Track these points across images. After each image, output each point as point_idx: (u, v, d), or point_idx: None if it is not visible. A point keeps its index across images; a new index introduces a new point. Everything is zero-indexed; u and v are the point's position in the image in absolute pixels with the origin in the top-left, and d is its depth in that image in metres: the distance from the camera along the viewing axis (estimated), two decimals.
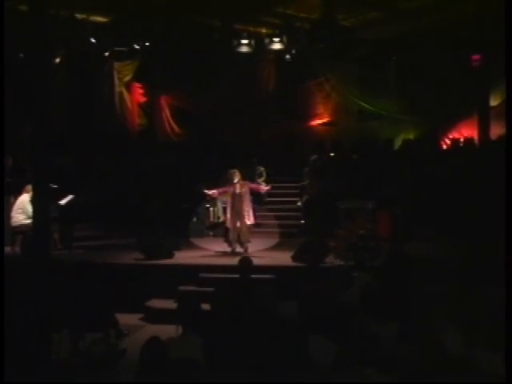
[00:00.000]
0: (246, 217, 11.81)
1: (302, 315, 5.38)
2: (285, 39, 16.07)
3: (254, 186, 12.61)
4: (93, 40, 16.02)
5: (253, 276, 8.10)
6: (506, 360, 4.18)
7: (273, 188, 13.39)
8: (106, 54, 17.05)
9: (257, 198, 13.53)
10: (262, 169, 15.66)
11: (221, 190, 12.23)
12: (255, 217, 12.23)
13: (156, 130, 18.69)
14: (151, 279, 10.70)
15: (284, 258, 11.21)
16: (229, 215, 12.07)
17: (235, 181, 11.87)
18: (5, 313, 6.16)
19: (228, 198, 12.16)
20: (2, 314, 6.06)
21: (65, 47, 16.12)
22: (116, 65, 17.75)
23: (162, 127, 18.70)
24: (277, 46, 16.32)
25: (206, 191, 12.44)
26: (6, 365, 5.42)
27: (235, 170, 12.05)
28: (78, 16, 15.35)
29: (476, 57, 13.57)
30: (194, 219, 14.68)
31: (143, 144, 17.59)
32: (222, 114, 17.92)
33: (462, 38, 14.39)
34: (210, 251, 12.47)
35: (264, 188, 13.04)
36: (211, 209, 14.75)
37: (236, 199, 11.86)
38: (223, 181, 12.53)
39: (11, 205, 12.52)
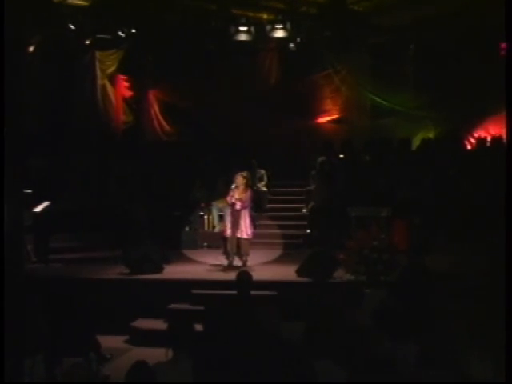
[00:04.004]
0: (243, 229, 11.72)
1: (307, 337, 5.39)
2: (289, 26, 16.08)
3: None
4: (71, 26, 15.99)
5: (252, 293, 8.10)
6: (506, 360, 4.19)
7: (275, 193, 13.34)
8: (87, 41, 17.04)
9: (257, 204, 13.48)
10: (263, 172, 15.70)
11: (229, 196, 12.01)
12: (254, 228, 12.04)
13: (143, 128, 18.71)
14: (138, 296, 10.69)
15: (288, 273, 11.22)
16: (227, 223, 12.05)
17: (233, 186, 11.85)
18: None
19: (227, 205, 12.14)
20: (2, 316, 6.08)
21: (39, 34, 16.10)
22: (98, 54, 17.75)
23: (150, 125, 18.72)
24: (280, 34, 16.32)
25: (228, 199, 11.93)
26: None
27: (241, 174, 11.94)
28: None
29: (506, 45, 13.59)
30: (187, 229, 14.69)
31: (129, 144, 17.60)
32: (218, 110, 17.93)
33: (490, 24, 14.40)
34: (204, 264, 12.47)
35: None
36: (206, 217, 14.78)
37: (234, 206, 11.82)
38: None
39: None
